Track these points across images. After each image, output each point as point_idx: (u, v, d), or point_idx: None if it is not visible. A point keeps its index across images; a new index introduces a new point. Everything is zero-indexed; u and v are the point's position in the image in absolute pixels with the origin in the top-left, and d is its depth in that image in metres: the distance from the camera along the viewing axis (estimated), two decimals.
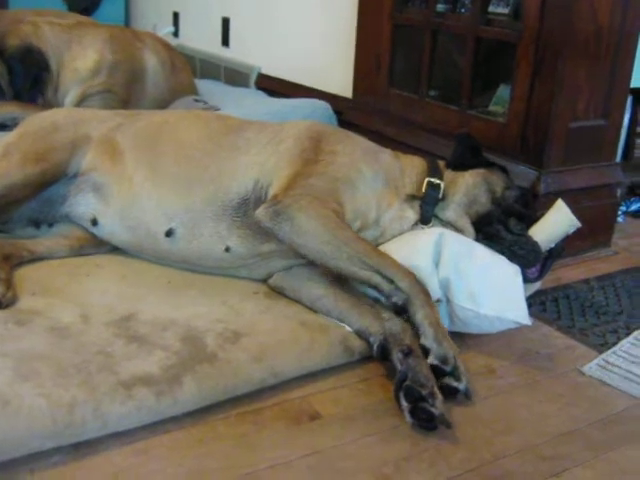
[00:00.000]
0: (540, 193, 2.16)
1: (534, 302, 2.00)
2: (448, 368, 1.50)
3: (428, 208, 1.88)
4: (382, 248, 1.79)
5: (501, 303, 1.68)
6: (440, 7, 2.47)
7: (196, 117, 2.11)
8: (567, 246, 2.19)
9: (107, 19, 4.42)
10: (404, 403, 1.43)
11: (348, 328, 1.67)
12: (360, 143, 1.98)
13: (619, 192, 2.42)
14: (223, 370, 1.46)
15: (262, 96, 3.23)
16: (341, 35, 2.89)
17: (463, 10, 2.49)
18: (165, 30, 4.17)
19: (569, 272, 2.23)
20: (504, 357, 1.74)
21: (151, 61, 2.86)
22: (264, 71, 3.42)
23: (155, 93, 2.88)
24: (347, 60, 2.87)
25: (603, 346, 1.82)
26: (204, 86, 3.41)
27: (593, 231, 2.32)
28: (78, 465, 1.27)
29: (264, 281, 1.87)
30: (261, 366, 1.50)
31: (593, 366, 1.71)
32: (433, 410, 1.41)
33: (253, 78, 3.44)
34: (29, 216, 1.97)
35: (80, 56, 2.65)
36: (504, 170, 1.99)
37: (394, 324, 1.60)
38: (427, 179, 1.90)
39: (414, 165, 1.96)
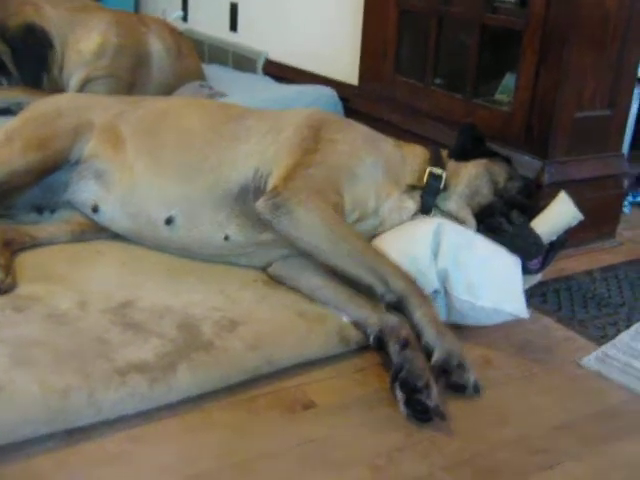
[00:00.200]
0: (544, 183, 2.14)
1: (535, 293, 1.99)
2: (455, 362, 1.50)
3: (429, 198, 1.87)
4: (381, 238, 1.80)
5: (499, 295, 1.68)
6: None
7: (198, 105, 2.11)
8: (571, 237, 2.17)
9: (117, 3, 4.41)
10: (399, 394, 1.44)
11: (345, 318, 1.67)
12: (361, 131, 1.97)
13: (626, 183, 2.40)
14: (219, 358, 1.47)
15: (268, 82, 3.22)
16: (348, 21, 2.86)
17: None
18: (174, 15, 4.15)
19: (572, 263, 2.21)
20: (501, 348, 1.73)
21: (156, 46, 2.84)
22: (271, 57, 3.41)
23: (160, 78, 2.86)
24: (354, 46, 2.85)
25: (603, 338, 1.81)
26: (211, 71, 3.40)
27: (597, 222, 2.30)
28: (72, 451, 1.29)
29: (264, 269, 1.87)
30: (256, 354, 1.51)
31: (591, 359, 1.71)
32: (428, 402, 1.41)
33: (260, 64, 3.42)
34: (32, 202, 1.98)
35: (84, 38, 2.64)
36: (508, 160, 1.98)
37: (391, 316, 1.60)
38: (428, 169, 1.89)
39: (416, 154, 1.95)
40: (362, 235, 1.73)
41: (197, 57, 3.22)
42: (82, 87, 2.63)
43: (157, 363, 1.41)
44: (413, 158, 1.94)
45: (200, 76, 3.11)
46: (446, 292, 1.72)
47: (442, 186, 1.87)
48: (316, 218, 1.68)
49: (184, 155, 1.92)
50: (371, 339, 1.61)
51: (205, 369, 1.44)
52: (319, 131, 1.90)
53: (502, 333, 1.78)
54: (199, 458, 1.30)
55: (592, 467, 1.36)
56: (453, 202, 1.87)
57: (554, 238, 1.84)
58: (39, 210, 1.99)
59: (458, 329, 1.74)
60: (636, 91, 2.43)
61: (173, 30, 3.07)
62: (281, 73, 3.30)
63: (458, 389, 1.50)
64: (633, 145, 2.77)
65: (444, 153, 1.96)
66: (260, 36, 3.48)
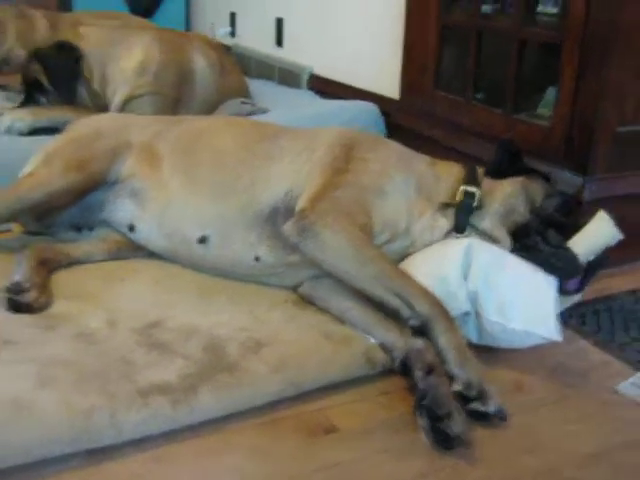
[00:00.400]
0: (584, 200, 2.08)
1: (573, 314, 1.94)
2: (473, 394, 1.47)
3: (462, 217, 1.84)
4: (410, 258, 1.78)
5: (531, 317, 1.63)
6: (486, 8, 2.42)
7: (233, 124, 2.13)
8: (614, 255, 2.11)
9: (168, 19, 4.51)
10: (422, 421, 1.41)
11: (373, 340, 1.65)
12: (394, 149, 1.95)
13: None
14: (242, 380, 1.47)
15: (311, 97, 3.23)
16: (390, 35, 2.85)
17: (511, 10, 2.42)
18: (222, 30, 4.22)
19: (615, 282, 2.14)
20: (534, 372, 1.69)
21: (200, 62, 2.88)
22: (316, 72, 3.42)
23: (204, 95, 2.90)
24: (396, 61, 2.83)
25: None
26: (256, 86, 3.43)
27: None
28: (95, 470, 1.31)
29: (295, 289, 1.87)
30: (280, 377, 1.51)
31: (628, 384, 1.65)
32: (450, 430, 1.38)
33: (305, 79, 3.44)
34: (70, 221, 2.03)
35: (125, 56, 2.69)
36: (546, 178, 1.94)
37: (417, 341, 1.57)
38: (462, 187, 1.86)
39: (450, 172, 1.92)
40: (389, 257, 1.71)
41: (241, 73, 3.25)
42: (125, 104, 2.67)
43: (180, 384, 1.43)
44: (447, 176, 1.91)
45: (244, 92, 3.13)
46: (477, 314, 1.69)
47: (476, 204, 1.84)
48: (342, 241, 1.68)
49: (218, 174, 1.94)
50: (397, 363, 1.59)
51: (228, 391, 1.45)
52: (351, 150, 1.90)
53: (536, 356, 1.73)
54: None
55: None
56: (487, 221, 1.83)
57: (592, 258, 1.79)
58: (78, 229, 2.05)
59: (490, 351, 1.71)
60: None
61: (216, 46, 3.11)
62: (325, 88, 3.31)
63: (478, 417, 1.46)
64: None
65: (480, 171, 1.93)
66: (305, 51, 3.50)
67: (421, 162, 1.94)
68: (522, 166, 1.93)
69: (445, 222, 1.84)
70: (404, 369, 1.57)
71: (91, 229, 2.04)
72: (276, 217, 1.83)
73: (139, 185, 1.99)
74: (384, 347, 1.63)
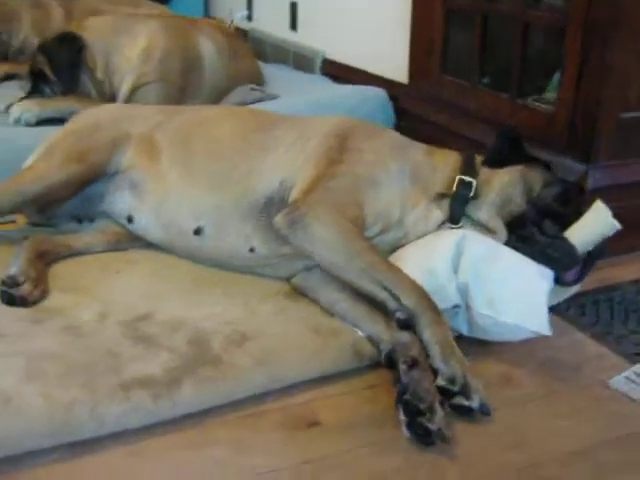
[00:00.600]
0: (587, 188, 2.04)
1: (572, 305, 1.91)
2: (456, 388, 1.46)
3: (458, 207, 1.81)
4: (402, 250, 1.76)
5: (521, 311, 1.61)
6: None
7: (231, 114, 2.13)
8: (619, 243, 2.07)
9: (186, 4, 4.51)
10: (402, 416, 1.41)
11: (360, 333, 1.65)
12: (390, 138, 1.93)
13: None
14: (225, 374, 1.49)
15: (322, 82, 3.20)
16: (398, 19, 2.81)
17: None
18: (239, 14, 4.20)
19: (618, 272, 2.10)
20: (524, 365, 1.67)
21: (208, 48, 2.86)
22: (329, 56, 3.39)
23: (213, 81, 2.89)
24: (404, 45, 2.79)
25: (638, 356, 1.71)
26: (271, 71, 3.42)
27: None
28: (75, 463, 1.33)
29: (289, 280, 1.87)
30: (264, 370, 1.52)
31: (621, 379, 1.62)
32: (430, 425, 1.37)
33: (317, 63, 3.41)
34: (71, 212, 2.06)
35: (129, 44, 2.70)
36: (547, 166, 1.90)
37: (403, 334, 1.56)
38: (458, 176, 1.83)
39: (447, 161, 1.89)
40: (378, 250, 1.69)
41: (253, 59, 3.24)
42: (132, 93, 2.68)
43: (163, 378, 1.44)
44: (444, 165, 1.89)
45: (255, 78, 3.12)
46: (468, 306, 1.67)
47: (472, 194, 1.81)
48: (331, 233, 1.67)
49: (214, 165, 1.94)
50: (382, 356, 1.58)
51: (210, 385, 1.46)
52: (346, 140, 1.88)
53: (528, 348, 1.71)
54: (196, 475, 1.32)
55: None
56: (483, 211, 1.80)
57: (590, 248, 1.75)
58: (79, 220, 2.07)
59: (481, 344, 1.70)
60: None
61: (227, 32, 3.10)
62: (337, 72, 3.28)
63: (462, 412, 1.45)
64: None
65: (479, 159, 1.90)
66: (318, 35, 3.48)
67: (418, 151, 1.92)
68: (523, 154, 1.89)
69: (439, 213, 1.82)
70: (390, 362, 1.56)
71: (92, 220, 2.07)
72: (271, 208, 1.83)
73: (138, 176, 2.00)
74: (372, 340, 1.63)
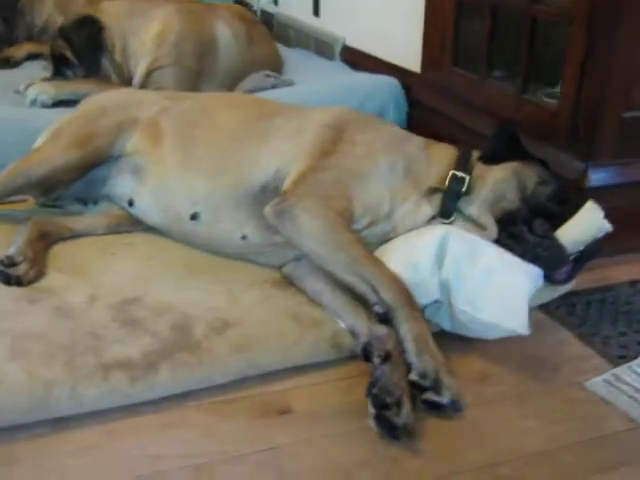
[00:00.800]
0: (586, 187, 2.02)
1: (563, 304, 1.90)
2: (427, 383, 1.48)
3: (449, 202, 1.82)
4: (388, 244, 1.78)
5: (500, 309, 1.62)
6: None
7: (233, 102, 2.16)
8: (618, 243, 2.06)
9: None
10: (370, 409, 1.44)
11: (342, 324, 1.68)
12: (385, 132, 1.94)
13: None
14: (202, 359, 1.53)
15: (338, 69, 3.21)
16: (414, 8, 2.79)
17: None
18: None
19: (615, 272, 2.08)
20: (504, 363, 1.68)
21: (223, 32, 2.89)
22: (348, 43, 3.39)
23: (228, 65, 2.91)
24: (419, 35, 2.78)
25: (622, 359, 1.70)
26: (292, 56, 3.45)
27: None
28: (53, 439, 1.40)
29: (280, 268, 1.91)
30: (241, 357, 1.56)
31: (599, 381, 1.62)
32: (396, 420, 1.40)
33: (337, 50, 3.42)
34: (76, 195, 2.12)
35: (145, 28, 2.74)
36: (544, 163, 1.89)
37: (381, 328, 1.58)
38: (451, 171, 1.84)
39: (442, 156, 1.90)
40: (363, 243, 1.71)
41: (272, 45, 3.25)
42: (147, 76, 2.73)
43: (141, 361, 1.50)
44: (439, 160, 1.89)
45: (273, 64, 3.14)
46: (449, 302, 1.69)
47: (464, 190, 1.82)
48: (318, 225, 1.70)
49: (213, 151, 1.98)
50: (359, 348, 1.61)
51: (186, 370, 1.51)
52: (342, 132, 1.90)
53: (510, 347, 1.71)
54: (163, 456, 1.37)
55: None
56: (475, 207, 1.80)
57: (581, 248, 1.75)
58: (84, 202, 2.14)
59: (464, 340, 1.71)
60: None
61: (246, 17, 3.11)
62: (356, 59, 3.29)
63: (432, 407, 1.48)
64: None
65: (475, 155, 1.90)
66: (339, 22, 3.47)
67: (414, 145, 1.92)
68: (520, 151, 1.89)
69: (429, 208, 1.83)
70: (366, 355, 1.59)
71: (95, 203, 2.13)
72: (264, 196, 1.86)
73: (141, 161, 2.05)
74: (352, 332, 1.66)
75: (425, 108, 2.76)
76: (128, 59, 2.75)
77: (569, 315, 1.88)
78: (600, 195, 2.03)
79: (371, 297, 1.62)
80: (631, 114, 2.00)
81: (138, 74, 2.75)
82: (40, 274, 1.80)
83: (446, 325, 1.72)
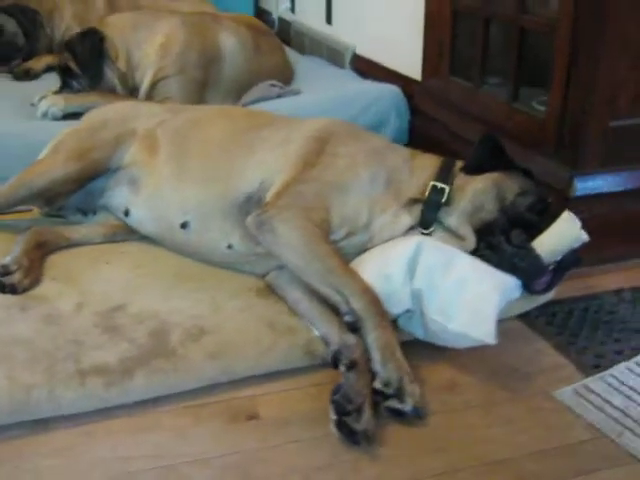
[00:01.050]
0: (571, 195, 2.03)
1: (544, 313, 1.92)
2: (390, 391, 1.52)
3: (429, 213, 1.85)
4: (364, 255, 1.82)
5: (469, 320, 1.65)
6: None
7: (225, 114, 2.23)
8: (604, 252, 2.08)
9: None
10: (331, 415, 1.48)
11: (316, 333, 1.73)
12: (369, 144, 1.98)
13: None
14: (177, 366, 1.60)
15: (346, 78, 3.24)
16: (415, 17, 2.82)
17: None
18: (283, 6, 4.29)
19: (602, 280, 2.08)
20: (475, 372, 1.70)
21: (229, 42, 2.94)
22: (358, 51, 3.43)
23: (234, 75, 2.96)
24: (420, 44, 2.81)
25: (597, 368, 1.71)
26: (304, 64, 3.50)
27: None
28: (30, 440, 1.47)
29: (264, 277, 1.96)
30: (214, 364, 1.62)
31: (568, 391, 1.63)
32: (355, 425, 1.45)
33: (347, 58, 3.46)
34: (76, 205, 2.21)
35: (149, 40, 2.82)
36: (528, 173, 1.91)
37: (350, 336, 1.63)
38: (431, 182, 1.87)
39: (425, 167, 1.93)
40: (340, 254, 1.75)
41: (282, 54, 3.30)
42: (152, 87, 2.80)
43: (117, 367, 1.57)
44: (421, 171, 1.92)
45: (282, 73, 3.18)
46: (422, 312, 1.72)
47: (444, 200, 1.85)
48: (296, 236, 1.75)
49: (203, 162, 2.05)
50: (330, 356, 1.66)
51: (161, 376, 1.57)
52: (326, 144, 1.95)
53: (483, 356, 1.74)
54: (134, 458, 1.43)
55: None
56: (454, 218, 1.83)
57: (558, 258, 1.77)
58: (83, 212, 2.22)
59: (438, 348, 1.74)
60: None
61: (254, 26, 3.16)
62: (364, 67, 3.32)
63: (395, 414, 1.52)
64: None
65: (458, 165, 1.93)
66: (349, 30, 3.52)
67: (397, 156, 1.96)
68: (504, 160, 1.91)
69: (408, 218, 1.86)
70: (335, 363, 1.63)
71: (95, 213, 2.21)
72: (249, 207, 1.92)
73: (137, 172, 2.13)
74: (324, 340, 1.71)
75: (426, 116, 2.79)
76: (134, 70, 2.84)
77: (548, 325, 1.89)
78: (586, 203, 2.05)
79: (343, 307, 1.67)
80: (617, 123, 2.01)
81: (144, 85, 2.83)
82: (35, 282, 1.88)
83: (419, 334, 1.75)
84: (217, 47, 2.94)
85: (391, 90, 2.88)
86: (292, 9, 4.24)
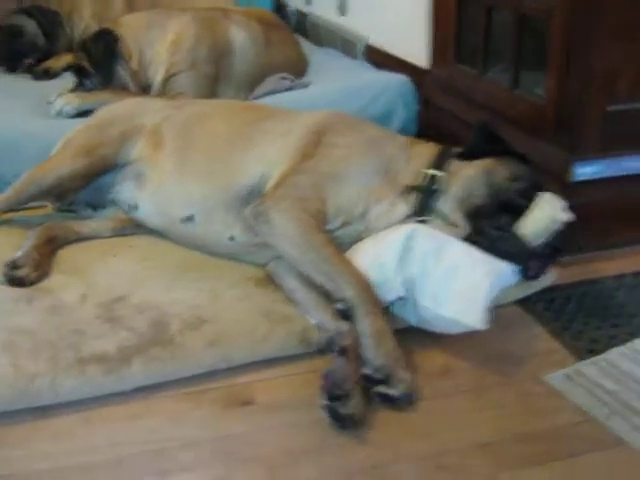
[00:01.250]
0: (570, 181, 2.03)
1: (541, 299, 1.93)
2: (380, 377, 1.56)
3: (424, 200, 1.88)
4: (359, 244, 1.84)
5: (459, 306, 1.66)
6: None
7: (227, 109, 2.27)
8: (604, 237, 2.08)
9: None
10: (321, 400, 1.52)
11: (312, 320, 1.76)
12: (366, 134, 2.01)
13: None
14: (174, 354, 1.65)
15: (357, 69, 3.25)
16: (424, 8, 2.83)
17: None
18: None
19: (605, 265, 2.08)
20: (468, 358, 1.72)
21: (239, 37, 2.98)
22: (371, 42, 3.43)
23: (246, 69, 3.00)
24: (429, 33, 2.82)
25: (591, 353, 1.72)
26: (318, 56, 3.52)
27: None
28: (30, 426, 1.53)
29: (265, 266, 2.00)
30: (213, 352, 1.67)
31: (559, 375, 1.64)
32: (343, 410, 1.48)
33: (360, 49, 3.47)
34: (85, 200, 2.28)
35: (160, 39, 2.88)
36: (524, 159, 1.91)
37: (343, 324, 1.66)
38: (425, 170, 1.89)
39: (422, 154, 1.95)
40: (335, 244, 1.79)
41: (295, 47, 3.32)
42: (165, 83, 2.86)
43: (116, 355, 1.63)
44: (418, 158, 1.95)
45: (294, 66, 3.21)
46: (414, 299, 1.74)
47: (438, 187, 1.86)
48: (291, 227, 1.79)
49: (206, 156, 2.10)
50: (323, 344, 1.69)
51: (159, 364, 1.63)
52: (323, 135, 1.98)
53: (477, 342, 1.76)
54: (126, 442, 1.49)
55: None
56: (447, 204, 1.85)
57: (542, 241, 1.77)
58: (93, 207, 2.29)
59: (432, 335, 1.76)
60: None
61: (265, 20, 3.18)
62: (376, 58, 3.33)
63: (385, 400, 1.55)
64: None
65: (454, 153, 1.94)
66: (362, 21, 3.52)
67: (394, 145, 1.98)
68: (500, 147, 1.92)
69: (404, 207, 1.88)
70: (327, 349, 1.67)
71: (104, 208, 2.28)
72: (251, 199, 1.96)
73: (143, 167, 2.18)
74: (320, 328, 1.74)
75: (434, 105, 2.80)
76: (146, 68, 2.90)
77: (546, 310, 1.90)
78: (585, 189, 2.05)
79: (336, 295, 1.70)
80: (615, 107, 2.00)
81: (156, 81, 2.89)
82: (43, 276, 1.95)
83: (413, 321, 1.77)
84: (227, 42, 2.99)
85: (399, 80, 2.89)
86: (308, 1, 4.26)
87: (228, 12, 3.11)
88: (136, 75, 2.88)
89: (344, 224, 1.87)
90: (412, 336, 1.76)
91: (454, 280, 1.70)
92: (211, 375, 1.67)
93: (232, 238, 2.00)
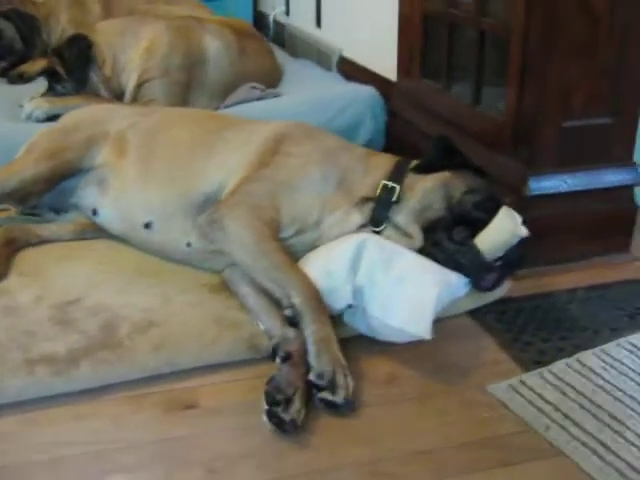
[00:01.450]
0: (526, 195, 2.06)
1: (492, 310, 1.95)
2: (323, 383, 1.57)
3: (379, 211, 1.90)
4: (311, 252, 1.86)
5: (406, 315, 1.69)
6: None
7: (192, 117, 2.29)
8: (573, 249, 2.11)
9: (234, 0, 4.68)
10: (263, 405, 1.54)
11: (261, 326, 1.78)
12: (323, 143, 2.03)
13: None
14: (122, 357, 1.66)
15: (329, 81, 3.27)
16: (392, 20, 2.86)
17: None
18: (278, 9, 4.35)
19: (558, 279, 2.10)
20: (415, 367, 1.74)
21: (213, 45, 2.99)
22: (345, 54, 3.47)
23: (219, 77, 3.01)
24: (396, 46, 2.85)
25: (537, 364, 1.74)
26: (293, 67, 3.55)
27: (602, 235, 2.16)
28: None
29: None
30: (158, 356, 1.68)
31: (502, 386, 1.66)
32: (284, 415, 1.50)
33: (334, 61, 3.50)
34: (48, 204, 2.28)
35: (134, 45, 2.90)
36: (481, 172, 1.94)
37: (290, 330, 1.68)
38: (382, 182, 1.92)
39: (379, 166, 1.98)
40: (287, 251, 1.81)
41: (269, 57, 3.34)
42: (137, 90, 2.87)
43: (65, 357, 1.64)
44: (375, 170, 1.97)
45: (268, 76, 3.23)
46: (363, 308, 1.76)
47: (394, 199, 1.89)
48: (244, 235, 1.81)
49: (168, 164, 2.11)
50: (270, 349, 1.71)
51: (106, 366, 1.64)
52: (281, 144, 2.01)
53: (424, 351, 1.77)
54: (66, 443, 1.49)
55: None
56: (403, 216, 1.88)
57: (500, 254, 1.79)
58: (56, 211, 2.30)
59: (381, 343, 1.78)
60: None
61: (240, 29, 3.18)
62: (349, 70, 3.36)
63: (328, 406, 1.56)
64: None
65: (411, 165, 1.97)
66: (336, 33, 3.56)
67: (351, 156, 2.01)
68: (456, 160, 1.94)
69: (358, 217, 1.90)
70: (274, 355, 1.69)
71: (67, 212, 2.29)
72: (206, 206, 1.98)
73: (106, 173, 2.19)
74: (268, 334, 1.76)
75: (401, 118, 2.83)
76: (119, 74, 2.92)
77: (496, 322, 1.92)
78: (542, 203, 2.08)
79: (284, 301, 1.72)
80: (571, 123, 2.03)
81: (129, 88, 2.90)
82: (1, 277, 1.96)
83: (362, 329, 1.79)
84: (201, 50, 3.01)
85: (367, 92, 2.92)
86: (287, 12, 4.30)
87: (202, 21, 3.13)
88: (109, 81, 2.90)
89: (298, 232, 1.89)
90: (360, 344, 1.78)
91: (402, 290, 1.72)
92: (156, 379, 1.68)
93: (189, 244, 2.02)
